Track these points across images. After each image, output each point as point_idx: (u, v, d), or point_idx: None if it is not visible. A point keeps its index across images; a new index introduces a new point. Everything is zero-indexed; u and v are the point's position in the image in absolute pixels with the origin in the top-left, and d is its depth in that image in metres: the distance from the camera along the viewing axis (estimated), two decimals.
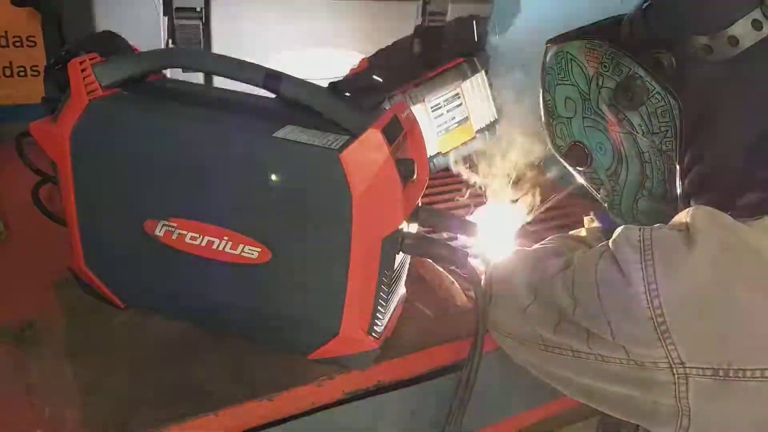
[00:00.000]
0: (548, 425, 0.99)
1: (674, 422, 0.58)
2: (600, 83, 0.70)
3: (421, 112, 1.11)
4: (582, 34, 0.72)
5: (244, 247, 0.65)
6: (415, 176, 0.64)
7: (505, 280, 0.71)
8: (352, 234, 0.61)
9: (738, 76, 0.62)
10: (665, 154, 0.67)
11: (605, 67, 0.69)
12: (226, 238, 0.65)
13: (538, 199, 0.99)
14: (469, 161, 1.15)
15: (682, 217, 0.59)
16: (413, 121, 0.70)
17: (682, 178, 0.67)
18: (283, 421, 0.69)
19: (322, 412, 0.71)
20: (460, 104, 1.18)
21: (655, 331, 0.55)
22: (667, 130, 0.65)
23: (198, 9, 1.00)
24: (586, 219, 0.88)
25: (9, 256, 0.85)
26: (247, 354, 0.71)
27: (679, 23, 0.64)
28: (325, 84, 0.65)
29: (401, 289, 0.76)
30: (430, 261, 0.86)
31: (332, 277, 0.64)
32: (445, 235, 0.94)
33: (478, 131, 1.21)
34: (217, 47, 1.02)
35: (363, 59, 1.12)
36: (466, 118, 1.19)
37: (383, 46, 1.18)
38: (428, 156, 0.93)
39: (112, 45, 0.72)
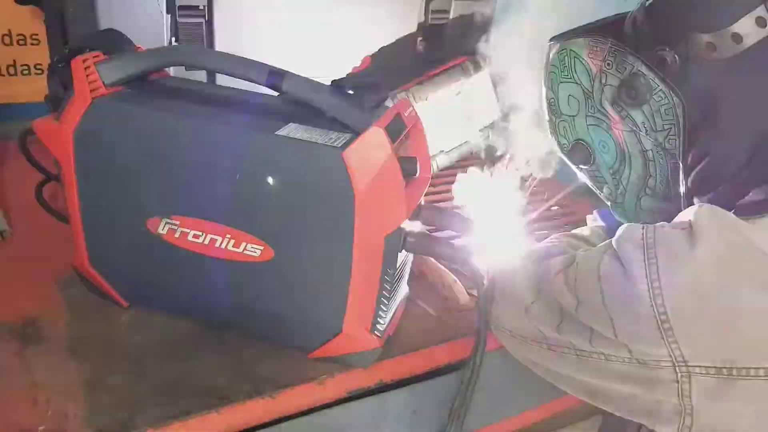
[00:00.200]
0: (550, 424, 0.99)
1: (677, 421, 0.58)
2: (603, 81, 0.70)
3: (424, 110, 1.11)
4: (585, 31, 0.72)
5: (246, 245, 0.65)
6: (417, 174, 0.64)
7: (508, 279, 0.71)
8: (355, 232, 0.61)
9: (742, 74, 0.62)
10: (668, 152, 0.66)
11: (608, 64, 0.69)
12: (228, 236, 0.65)
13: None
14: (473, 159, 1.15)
15: (685, 215, 0.59)
16: (416, 119, 0.70)
17: (685, 176, 0.66)
18: (285, 419, 0.69)
19: (324, 410, 0.71)
20: (463, 102, 1.18)
21: (658, 329, 0.55)
22: (670, 128, 0.65)
23: (201, 7, 1.00)
24: (589, 218, 0.88)
25: (13, 254, 0.85)
26: (250, 352, 0.71)
27: (683, 21, 0.64)
28: (327, 82, 0.65)
29: (404, 288, 0.76)
30: (433, 259, 0.86)
31: (335, 275, 0.64)
32: (447, 233, 0.94)
33: (480, 129, 1.20)
34: (220, 45, 1.02)
35: (366, 57, 1.12)
36: (469, 117, 1.19)
37: (386, 44, 1.18)
38: (430, 154, 0.92)
39: (115, 43, 0.72)
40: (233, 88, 0.73)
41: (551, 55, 0.76)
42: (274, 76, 0.63)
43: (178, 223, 0.66)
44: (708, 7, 0.63)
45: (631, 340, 0.57)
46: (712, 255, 0.55)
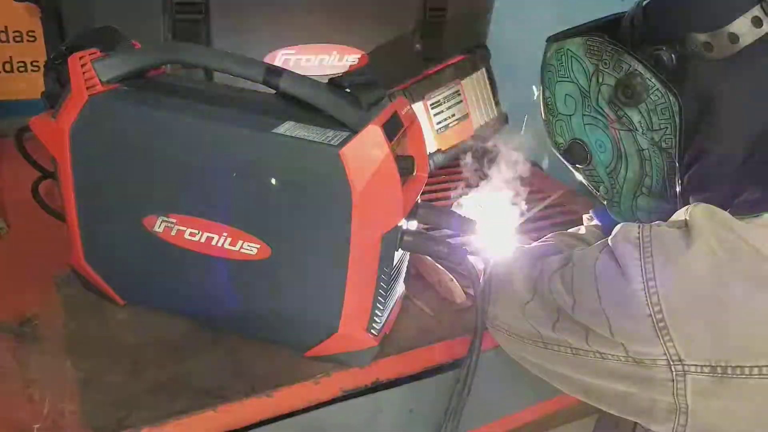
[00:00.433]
0: (546, 423, 0.99)
1: (672, 419, 0.58)
2: (600, 80, 0.70)
3: (421, 108, 1.11)
4: (582, 31, 0.72)
5: (243, 244, 0.65)
6: (414, 173, 0.64)
7: (504, 278, 0.71)
8: (352, 230, 0.61)
9: (738, 74, 0.62)
10: (665, 152, 0.67)
11: (605, 64, 0.69)
12: (225, 234, 0.65)
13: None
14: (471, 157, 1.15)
15: (682, 214, 0.59)
16: (413, 118, 0.70)
17: (681, 176, 0.67)
18: (281, 417, 0.69)
19: (321, 409, 0.71)
20: (461, 101, 1.18)
21: (654, 328, 0.55)
22: (666, 128, 0.65)
23: (198, 4, 1.00)
24: (585, 217, 0.88)
25: (9, 252, 0.85)
26: (246, 351, 0.71)
27: (679, 20, 0.64)
28: (325, 80, 0.65)
29: (400, 287, 0.76)
30: (430, 258, 0.86)
31: (331, 273, 0.64)
32: (444, 231, 0.94)
33: (478, 128, 1.20)
34: (218, 43, 1.02)
35: (363, 55, 1.12)
36: (466, 115, 1.19)
37: (383, 42, 1.18)
38: (428, 153, 0.92)
39: (112, 40, 0.72)
40: (230, 86, 0.73)
41: (548, 54, 0.76)
42: (271, 74, 0.63)
43: (174, 221, 0.66)
44: (704, 6, 0.63)
45: (627, 339, 0.58)
46: (708, 254, 0.55)
